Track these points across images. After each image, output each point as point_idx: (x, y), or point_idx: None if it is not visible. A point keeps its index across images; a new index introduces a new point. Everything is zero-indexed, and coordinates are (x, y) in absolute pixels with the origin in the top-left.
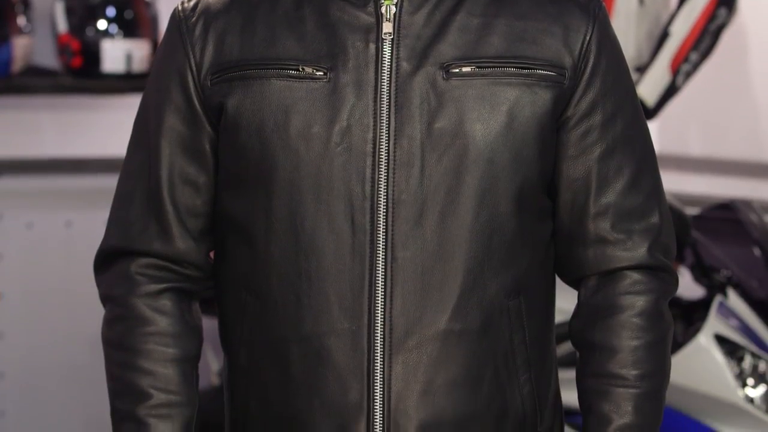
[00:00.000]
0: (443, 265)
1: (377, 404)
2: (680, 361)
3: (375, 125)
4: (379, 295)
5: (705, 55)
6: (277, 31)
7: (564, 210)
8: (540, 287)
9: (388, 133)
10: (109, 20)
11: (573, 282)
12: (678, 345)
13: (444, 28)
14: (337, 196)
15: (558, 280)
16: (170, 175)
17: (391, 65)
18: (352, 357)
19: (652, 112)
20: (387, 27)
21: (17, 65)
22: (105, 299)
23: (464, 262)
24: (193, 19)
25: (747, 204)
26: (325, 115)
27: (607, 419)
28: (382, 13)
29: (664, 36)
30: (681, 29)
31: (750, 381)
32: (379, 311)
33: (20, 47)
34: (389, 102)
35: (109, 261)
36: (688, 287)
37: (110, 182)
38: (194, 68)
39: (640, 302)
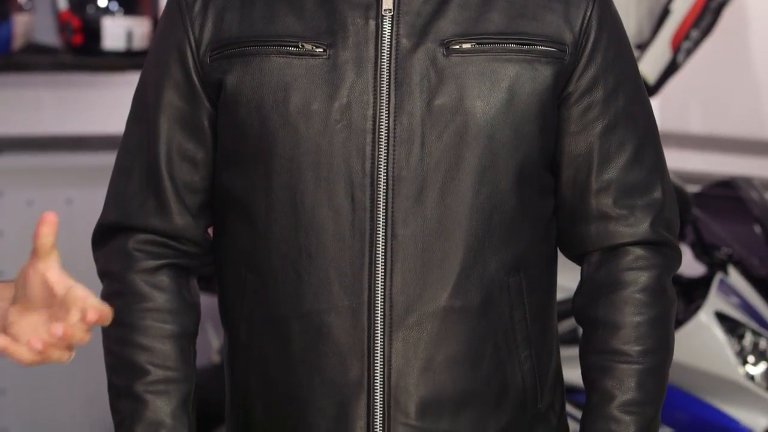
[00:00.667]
0: (443, 242)
1: (377, 381)
2: (681, 338)
3: (375, 102)
4: (380, 272)
5: (706, 32)
6: (276, 8)
7: (566, 186)
8: (541, 264)
9: (388, 110)
10: None
11: (576, 258)
12: (679, 323)
13: (444, 4)
14: (337, 173)
15: (560, 258)
16: (168, 151)
17: (391, 42)
18: (353, 334)
19: (652, 90)
20: (387, 3)
21: (17, 42)
22: (102, 275)
23: (464, 239)
24: None
25: (748, 181)
26: (324, 92)
27: (609, 395)
28: None
29: (664, 13)
30: (682, 6)
31: (750, 358)
32: (379, 288)
33: (21, 24)
34: (389, 79)
35: (107, 236)
36: (689, 265)
37: (111, 160)
38: (193, 44)
39: (642, 278)
